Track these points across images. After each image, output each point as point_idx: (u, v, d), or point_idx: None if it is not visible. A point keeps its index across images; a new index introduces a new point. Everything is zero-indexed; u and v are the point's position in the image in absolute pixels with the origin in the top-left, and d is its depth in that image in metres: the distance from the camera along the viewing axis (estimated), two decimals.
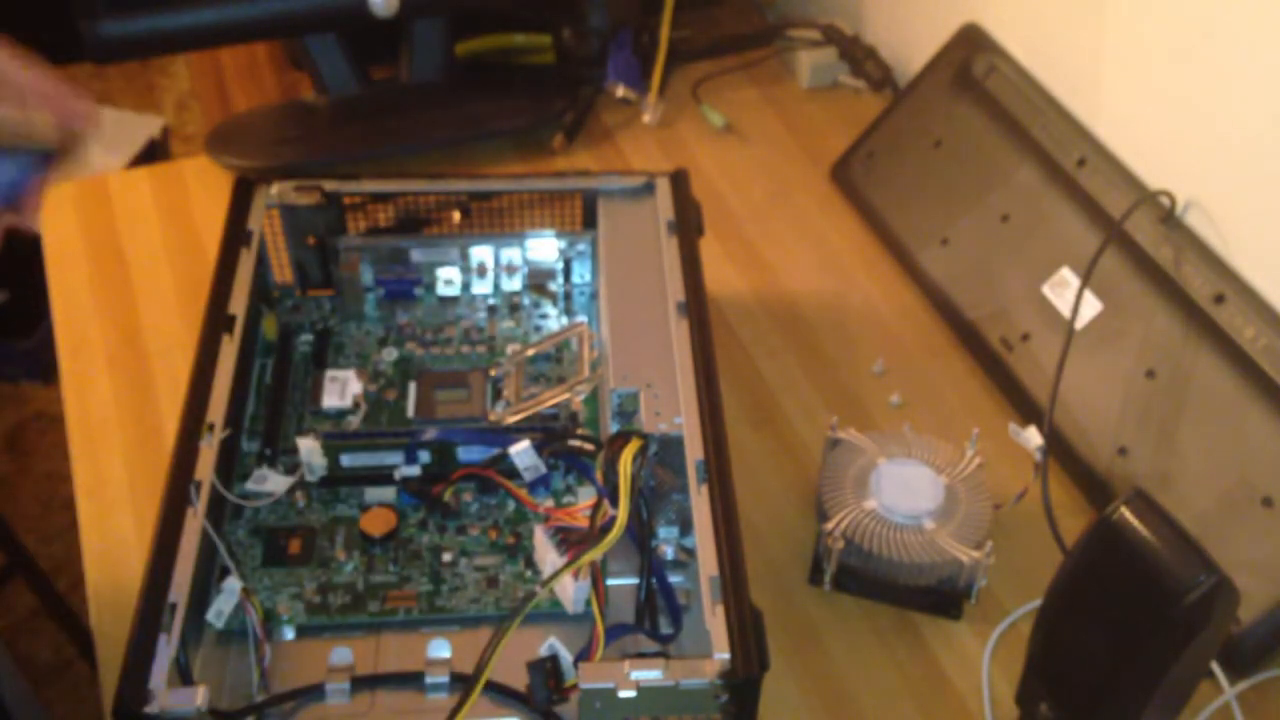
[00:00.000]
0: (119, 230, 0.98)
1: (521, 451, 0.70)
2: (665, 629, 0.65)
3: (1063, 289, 0.84)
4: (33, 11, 2.16)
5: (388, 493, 0.72)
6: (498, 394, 0.77)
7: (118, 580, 0.73)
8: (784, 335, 0.90)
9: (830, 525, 0.70)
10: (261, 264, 0.81)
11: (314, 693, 0.62)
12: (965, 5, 0.99)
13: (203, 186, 1.01)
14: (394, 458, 0.72)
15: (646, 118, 1.08)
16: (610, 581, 0.67)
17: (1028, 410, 0.83)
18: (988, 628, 0.72)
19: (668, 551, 0.69)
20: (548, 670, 0.60)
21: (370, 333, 0.83)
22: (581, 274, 0.85)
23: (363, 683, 0.63)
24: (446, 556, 0.69)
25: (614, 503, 0.63)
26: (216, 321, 0.74)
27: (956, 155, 0.94)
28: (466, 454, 0.72)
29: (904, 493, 0.71)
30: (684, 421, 0.68)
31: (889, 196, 0.97)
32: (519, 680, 0.61)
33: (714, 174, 1.04)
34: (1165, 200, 0.81)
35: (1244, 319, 0.75)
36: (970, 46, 0.96)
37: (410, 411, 0.76)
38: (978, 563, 0.70)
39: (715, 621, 0.59)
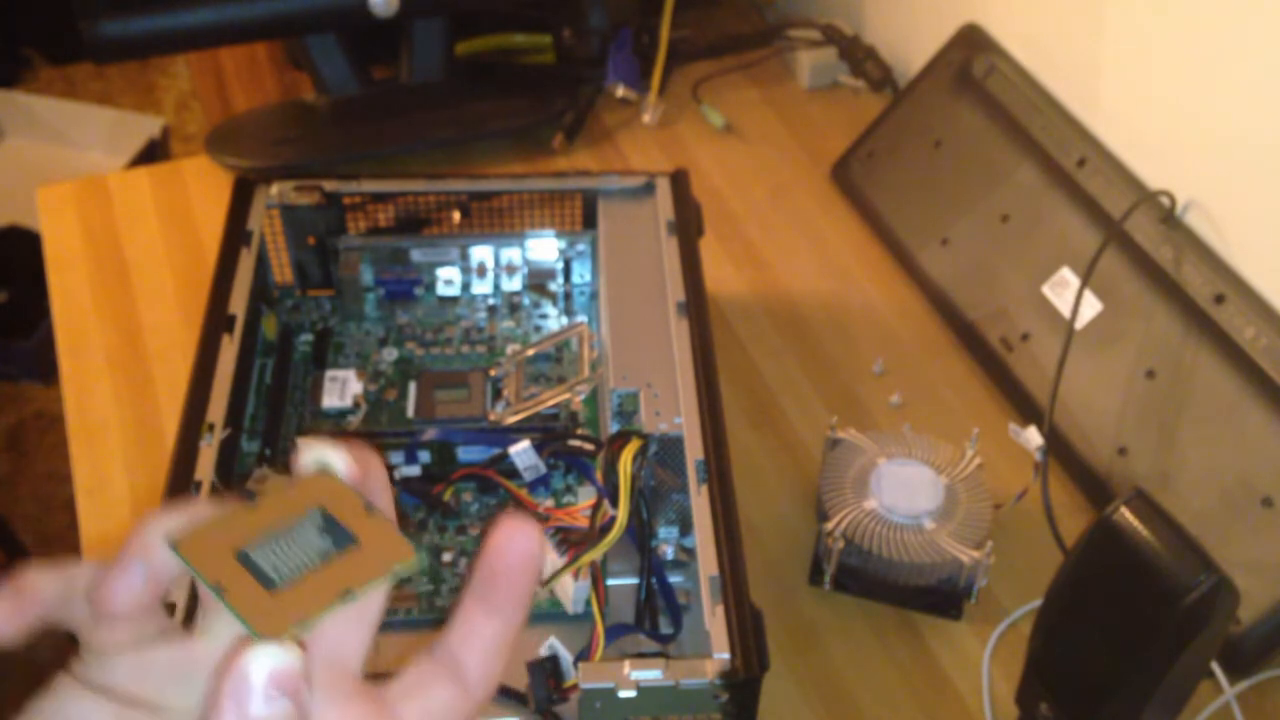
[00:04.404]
0: (119, 230, 0.98)
1: (521, 451, 0.70)
2: (665, 629, 0.65)
3: (1063, 289, 0.84)
4: (33, 11, 2.17)
5: None
6: (498, 394, 0.77)
7: None
8: (784, 335, 0.90)
9: (830, 525, 0.70)
10: (261, 264, 0.81)
11: None
12: (965, 5, 0.99)
13: (203, 186, 1.01)
14: (394, 458, 0.72)
15: (646, 118, 1.08)
16: (610, 581, 0.67)
17: (1028, 410, 0.83)
18: (988, 628, 0.72)
19: (668, 551, 0.69)
20: (548, 670, 0.61)
21: (370, 333, 0.83)
22: (581, 274, 0.85)
23: None
24: (446, 556, 0.69)
25: (614, 503, 0.63)
26: (216, 321, 0.74)
27: (956, 155, 0.94)
28: (466, 454, 0.72)
29: (904, 493, 0.71)
30: (684, 421, 0.68)
31: (889, 196, 0.97)
32: (519, 680, 0.61)
33: (714, 174, 1.04)
34: (1165, 200, 0.81)
35: (1244, 319, 0.75)
36: (970, 46, 0.96)
37: (410, 411, 0.76)
38: (978, 563, 0.70)
39: (715, 621, 0.59)
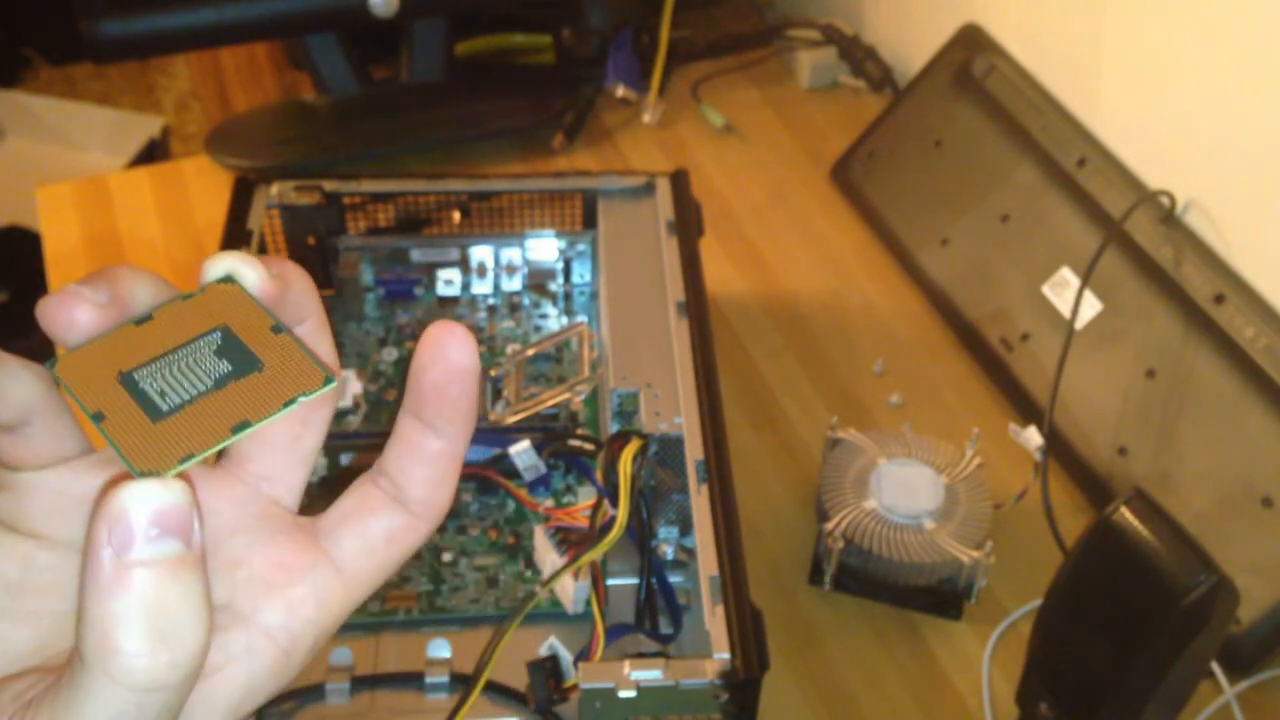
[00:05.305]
0: (119, 230, 0.98)
1: (521, 451, 0.70)
2: (665, 629, 0.65)
3: (1063, 289, 0.84)
4: (33, 11, 2.17)
5: None
6: (498, 394, 0.77)
7: None
8: (784, 335, 0.90)
9: (830, 525, 0.70)
10: None
11: (313, 692, 0.62)
12: (965, 5, 0.99)
13: (203, 186, 1.01)
14: None
15: (646, 118, 1.08)
16: (610, 581, 0.67)
17: (1028, 410, 0.83)
18: (988, 628, 0.72)
19: (668, 551, 0.69)
20: (548, 670, 0.60)
21: (370, 333, 0.83)
22: (581, 274, 0.85)
23: (362, 683, 0.63)
24: (446, 556, 0.69)
25: (614, 503, 0.63)
26: None
27: (956, 155, 0.94)
28: (466, 454, 0.72)
29: (904, 493, 0.71)
30: (684, 421, 0.68)
31: (889, 196, 0.97)
32: (519, 680, 0.61)
33: (714, 174, 1.04)
34: (1165, 200, 0.81)
35: (1244, 319, 0.75)
36: (970, 46, 0.97)
37: None
38: (978, 563, 0.70)
39: (715, 621, 0.59)
